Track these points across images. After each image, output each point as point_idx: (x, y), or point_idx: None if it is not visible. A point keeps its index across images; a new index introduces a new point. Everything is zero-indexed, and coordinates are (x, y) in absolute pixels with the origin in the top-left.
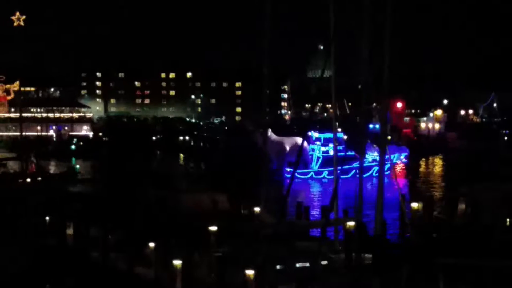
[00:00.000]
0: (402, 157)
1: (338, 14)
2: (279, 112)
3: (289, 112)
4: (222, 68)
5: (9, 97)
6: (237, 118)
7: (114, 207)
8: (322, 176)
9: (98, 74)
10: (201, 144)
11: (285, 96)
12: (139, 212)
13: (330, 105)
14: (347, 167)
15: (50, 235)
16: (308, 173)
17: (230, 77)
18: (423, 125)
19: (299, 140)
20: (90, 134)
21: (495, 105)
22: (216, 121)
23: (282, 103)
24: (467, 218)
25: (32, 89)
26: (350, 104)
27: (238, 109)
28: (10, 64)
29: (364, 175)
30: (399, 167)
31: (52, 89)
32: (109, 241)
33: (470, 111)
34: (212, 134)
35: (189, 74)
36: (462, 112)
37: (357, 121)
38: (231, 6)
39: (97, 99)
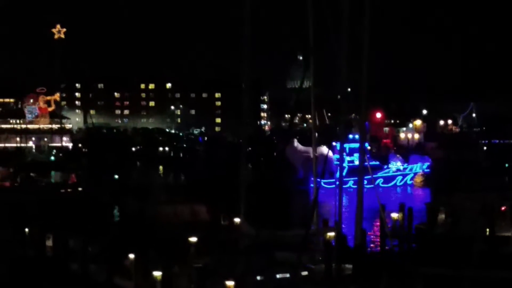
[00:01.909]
0: (424, 167)
1: (317, 25)
2: (258, 122)
3: (268, 122)
4: (201, 78)
5: (50, 109)
6: (217, 128)
7: (94, 218)
8: (348, 185)
9: (78, 85)
10: (181, 155)
11: (265, 106)
12: (119, 223)
13: (309, 116)
14: (369, 177)
15: (29, 246)
16: (334, 182)
17: (209, 87)
18: (402, 135)
19: (325, 149)
20: (70, 145)
21: (474, 115)
22: (195, 131)
23: (262, 114)
24: (447, 228)
25: (11, 100)
26: (329, 114)
27: (218, 120)
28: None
29: (389, 184)
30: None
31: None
32: (88, 253)
33: (450, 121)
34: (192, 145)
35: (168, 85)
36: (442, 122)
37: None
38: (211, 17)
39: (77, 110)
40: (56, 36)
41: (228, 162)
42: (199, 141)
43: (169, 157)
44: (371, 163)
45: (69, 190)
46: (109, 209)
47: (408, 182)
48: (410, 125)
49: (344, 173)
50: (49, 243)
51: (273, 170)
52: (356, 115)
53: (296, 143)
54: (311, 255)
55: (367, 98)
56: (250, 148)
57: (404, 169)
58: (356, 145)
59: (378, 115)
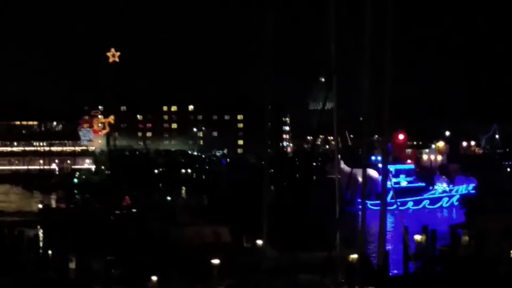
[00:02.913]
0: (470, 188)
1: (340, 46)
2: (281, 144)
3: (290, 144)
4: (223, 100)
5: (104, 131)
6: (239, 150)
7: (117, 240)
8: (394, 207)
9: (100, 107)
10: (203, 177)
11: (287, 128)
12: (142, 245)
13: (332, 137)
14: (417, 198)
15: (52, 268)
16: (380, 204)
17: (231, 109)
18: (425, 157)
19: (372, 172)
20: (93, 167)
21: (497, 136)
22: (218, 153)
23: (284, 136)
24: (471, 250)
25: (35, 123)
26: (351, 136)
27: (240, 142)
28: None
29: (435, 206)
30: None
31: (55, 123)
32: (111, 275)
33: (472, 143)
34: (215, 168)
35: (190, 107)
36: (465, 144)
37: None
38: (233, 40)
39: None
40: (110, 60)
41: (250, 184)
42: (222, 163)
43: (192, 179)
44: (417, 184)
45: (124, 211)
46: (161, 231)
47: (455, 203)
48: (433, 147)
49: (390, 195)
50: (72, 265)
51: (301, 192)
52: (378, 137)
53: (342, 164)
54: (334, 277)
55: (390, 119)
56: (272, 170)
57: (450, 190)
58: (403, 166)
59: (401, 136)
